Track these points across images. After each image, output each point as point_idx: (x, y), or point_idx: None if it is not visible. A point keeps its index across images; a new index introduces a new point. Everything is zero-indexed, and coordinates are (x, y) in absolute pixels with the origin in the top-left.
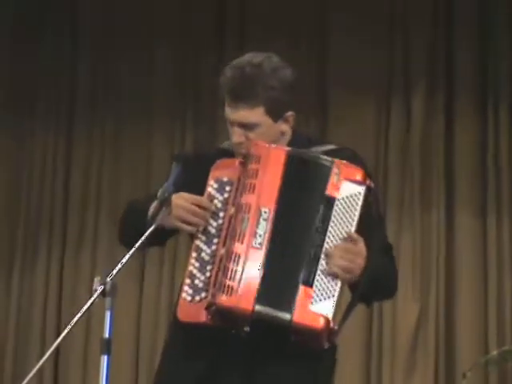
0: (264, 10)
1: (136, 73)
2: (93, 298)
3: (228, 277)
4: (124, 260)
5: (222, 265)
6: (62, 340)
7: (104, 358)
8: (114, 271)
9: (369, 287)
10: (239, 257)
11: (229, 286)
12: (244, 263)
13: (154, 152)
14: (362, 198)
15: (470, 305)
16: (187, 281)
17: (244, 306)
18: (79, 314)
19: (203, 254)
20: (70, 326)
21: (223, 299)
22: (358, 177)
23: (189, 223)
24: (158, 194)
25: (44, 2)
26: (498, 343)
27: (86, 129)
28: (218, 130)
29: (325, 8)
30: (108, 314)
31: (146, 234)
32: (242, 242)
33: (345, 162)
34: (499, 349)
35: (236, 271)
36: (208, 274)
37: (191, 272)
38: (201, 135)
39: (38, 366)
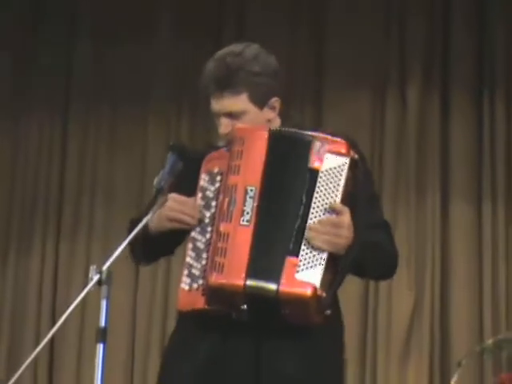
0: None
1: (132, 62)
2: (88, 287)
3: (218, 255)
4: (119, 249)
5: (213, 247)
6: (57, 328)
7: (100, 347)
8: (110, 260)
9: (360, 257)
10: (227, 235)
11: (219, 263)
12: (233, 240)
13: (149, 141)
14: (346, 169)
15: (465, 293)
16: (185, 272)
17: (235, 282)
18: (75, 303)
19: (198, 244)
20: (65, 315)
21: (214, 277)
22: (342, 149)
23: (181, 222)
24: (154, 182)
25: None
26: (493, 331)
27: (81, 117)
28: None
29: None
30: (104, 302)
31: (142, 222)
32: (230, 221)
33: (327, 136)
34: (494, 337)
35: (226, 249)
36: (204, 262)
37: (188, 263)
38: (197, 125)
39: (32, 356)
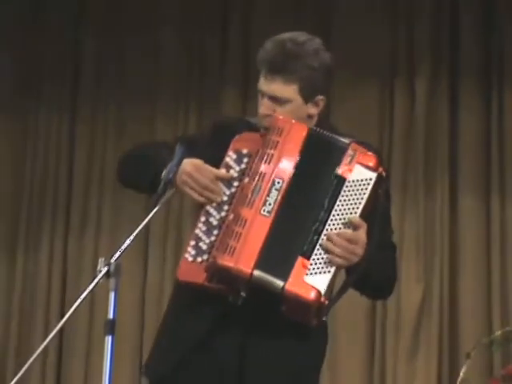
0: None
1: (140, 54)
2: (97, 279)
3: (232, 238)
4: (128, 241)
5: (228, 229)
6: (66, 321)
7: (108, 339)
8: (118, 252)
9: (363, 276)
10: (246, 221)
11: (231, 246)
12: (250, 228)
13: (158, 133)
14: (371, 184)
15: (474, 286)
16: (191, 242)
17: (243, 268)
18: (83, 295)
19: (211, 219)
20: (74, 307)
21: (224, 258)
22: (371, 163)
23: (201, 195)
24: (162, 174)
25: None
26: (502, 323)
27: (89, 110)
28: (222, 112)
29: None
30: (112, 294)
31: (150, 214)
32: (251, 208)
33: (361, 146)
34: (502, 329)
35: (241, 234)
36: (213, 238)
37: (197, 235)
38: (204, 123)
39: (41, 348)
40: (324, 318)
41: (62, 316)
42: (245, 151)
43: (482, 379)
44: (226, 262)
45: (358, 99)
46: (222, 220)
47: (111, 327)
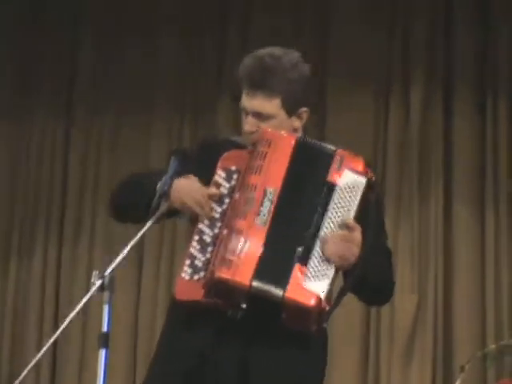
0: None
1: (139, 55)
2: (90, 293)
3: (228, 251)
4: (122, 254)
5: (223, 243)
6: (60, 333)
7: (102, 352)
8: (113, 265)
9: (361, 278)
10: (241, 233)
11: (228, 259)
12: (245, 239)
13: (152, 148)
14: (362, 188)
15: (468, 298)
16: (187, 261)
17: (241, 280)
18: (76, 309)
19: (205, 237)
20: (67, 321)
21: (221, 271)
22: (360, 167)
23: (194, 211)
24: (157, 186)
25: None
26: (496, 337)
27: (84, 122)
28: (217, 122)
29: None
30: (106, 307)
31: (145, 227)
32: (245, 219)
33: (347, 151)
34: (497, 341)
35: (237, 246)
36: (208, 256)
37: (191, 253)
38: (199, 132)
39: (34, 361)
40: (325, 325)
41: (56, 325)
42: (233, 168)
43: None
44: (224, 274)
45: (352, 108)
46: (215, 237)
47: (105, 340)
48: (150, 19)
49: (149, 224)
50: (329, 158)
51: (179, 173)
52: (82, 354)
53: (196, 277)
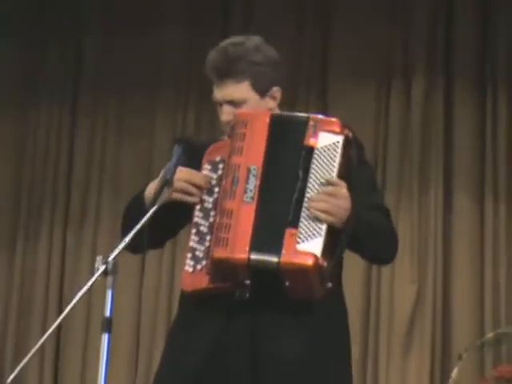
0: None
1: (140, 53)
2: (94, 277)
3: (222, 231)
4: (126, 239)
5: (217, 226)
6: (64, 317)
7: (105, 337)
8: (116, 251)
9: (358, 230)
10: (231, 212)
11: (223, 238)
12: (237, 217)
13: (157, 132)
14: (340, 146)
15: (467, 287)
16: (188, 255)
17: (239, 255)
18: (79, 294)
19: (201, 228)
20: (70, 305)
21: (219, 251)
22: (335, 128)
23: (190, 194)
24: (160, 175)
25: None
26: (494, 324)
27: (89, 108)
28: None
29: None
30: (109, 292)
31: (149, 213)
32: (234, 199)
33: (321, 116)
34: (494, 331)
35: (230, 225)
36: (207, 244)
37: (192, 247)
38: (203, 116)
39: (38, 345)
40: (329, 285)
41: (60, 311)
42: (218, 158)
43: (474, 380)
44: (222, 253)
45: (354, 100)
46: (211, 226)
47: (108, 325)
48: (155, 5)
49: (153, 210)
50: (303, 124)
51: (182, 161)
52: (86, 338)
53: (199, 266)
